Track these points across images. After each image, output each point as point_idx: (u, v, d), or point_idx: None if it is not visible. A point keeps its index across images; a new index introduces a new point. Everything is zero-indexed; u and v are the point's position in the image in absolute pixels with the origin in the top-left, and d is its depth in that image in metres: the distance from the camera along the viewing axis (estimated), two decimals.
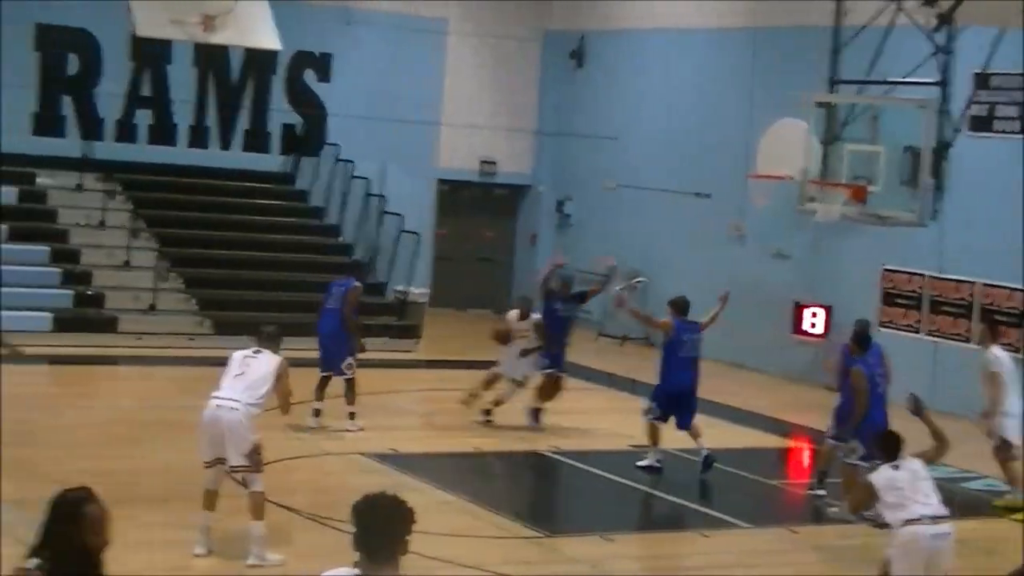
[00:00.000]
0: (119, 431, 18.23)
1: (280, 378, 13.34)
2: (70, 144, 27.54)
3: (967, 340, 23.32)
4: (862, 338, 16.84)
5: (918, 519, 11.77)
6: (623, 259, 29.80)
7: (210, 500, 13.39)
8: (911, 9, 21.36)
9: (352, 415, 19.03)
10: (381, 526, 5.86)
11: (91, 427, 17.50)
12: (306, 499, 15.65)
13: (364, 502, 5.90)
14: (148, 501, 15.50)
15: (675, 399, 17.89)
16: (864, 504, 13.14)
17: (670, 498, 17.17)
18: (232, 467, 13.20)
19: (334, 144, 29.91)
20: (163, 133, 28.83)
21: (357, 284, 19.65)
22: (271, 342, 13.70)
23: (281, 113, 29.96)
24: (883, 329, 24.23)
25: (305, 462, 17.26)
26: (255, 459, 13.14)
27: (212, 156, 29.16)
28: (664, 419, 17.89)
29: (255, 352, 13.50)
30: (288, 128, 30.04)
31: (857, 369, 16.30)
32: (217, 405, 13.16)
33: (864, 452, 15.74)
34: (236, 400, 13.13)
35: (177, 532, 14.05)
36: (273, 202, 29.49)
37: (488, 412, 19.98)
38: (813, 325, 25.82)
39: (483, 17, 31.90)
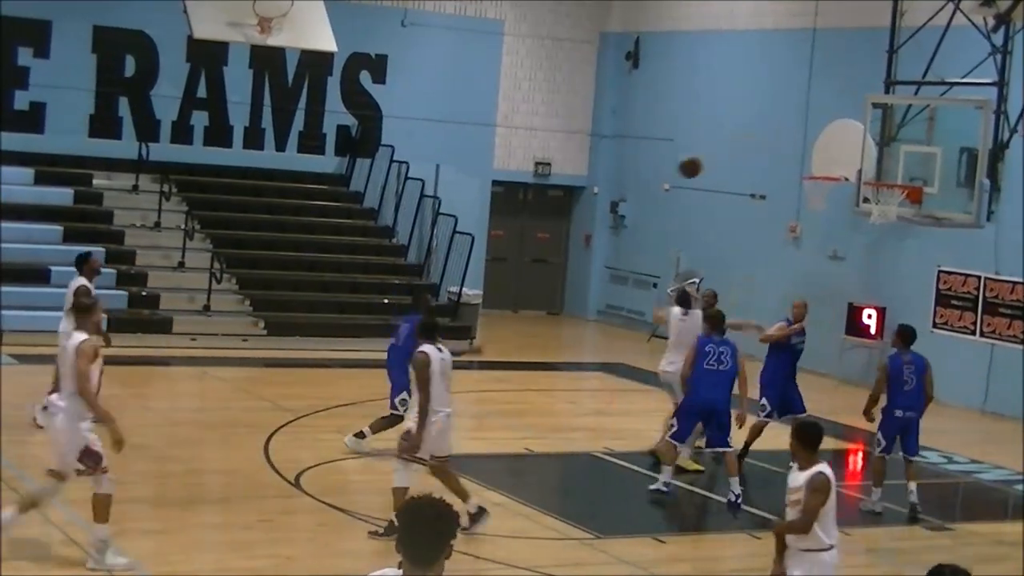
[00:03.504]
0: (177, 432, 18.31)
1: None
2: (126, 146, 27.68)
3: (1023, 342, 23.15)
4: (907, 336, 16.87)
5: None
6: (678, 260, 29.83)
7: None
8: (969, 9, 21.22)
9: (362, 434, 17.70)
10: (424, 529, 5.87)
11: (149, 428, 17.57)
12: (357, 500, 15.69)
13: (408, 506, 5.92)
14: (209, 503, 15.58)
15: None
16: None
17: (721, 500, 17.09)
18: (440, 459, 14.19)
19: (389, 146, 29.97)
20: (219, 135, 28.98)
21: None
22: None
23: (336, 115, 30.05)
24: (937, 330, 24.07)
25: (356, 463, 17.29)
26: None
27: (267, 158, 29.30)
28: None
29: (443, 347, 14.18)
30: (343, 130, 30.13)
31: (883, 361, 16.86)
32: (448, 415, 14.10)
33: (884, 444, 16.56)
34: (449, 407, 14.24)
35: (239, 533, 14.12)
36: (328, 203, 29.57)
37: None
38: (868, 326, 25.69)
39: (539, 18, 31.91)
